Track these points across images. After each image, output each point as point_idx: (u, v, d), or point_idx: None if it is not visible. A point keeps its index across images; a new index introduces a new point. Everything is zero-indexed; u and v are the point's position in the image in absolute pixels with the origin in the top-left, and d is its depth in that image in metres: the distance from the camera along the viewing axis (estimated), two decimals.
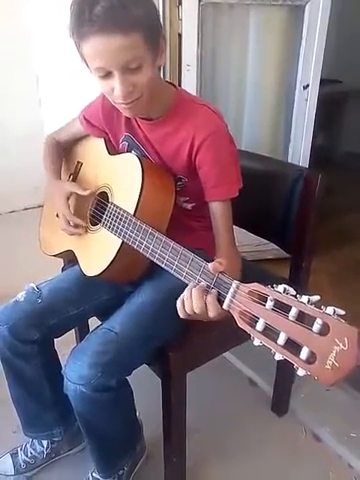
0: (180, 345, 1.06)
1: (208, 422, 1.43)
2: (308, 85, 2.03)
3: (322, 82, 2.07)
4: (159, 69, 0.97)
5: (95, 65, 0.85)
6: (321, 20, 1.91)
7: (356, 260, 2.30)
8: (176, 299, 0.79)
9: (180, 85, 1.82)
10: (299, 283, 1.24)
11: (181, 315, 0.80)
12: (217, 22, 1.90)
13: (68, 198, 1.09)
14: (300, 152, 2.15)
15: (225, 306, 0.70)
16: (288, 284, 0.62)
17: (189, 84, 1.82)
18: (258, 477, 1.29)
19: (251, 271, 1.28)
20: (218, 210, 0.99)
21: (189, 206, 1.10)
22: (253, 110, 2.12)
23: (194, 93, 1.83)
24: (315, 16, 1.91)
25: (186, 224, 1.11)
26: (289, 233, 1.22)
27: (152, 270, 0.86)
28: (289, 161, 2.12)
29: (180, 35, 1.76)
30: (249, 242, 2.04)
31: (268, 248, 2.10)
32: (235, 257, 0.99)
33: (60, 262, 1.36)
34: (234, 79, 2.06)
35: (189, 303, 0.76)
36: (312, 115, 2.09)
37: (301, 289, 1.22)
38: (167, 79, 1.77)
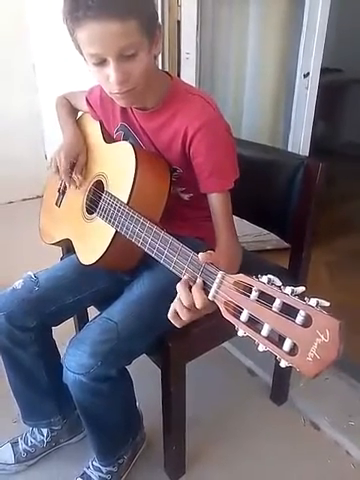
0: (180, 335, 1.05)
1: (207, 411, 1.44)
2: (308, 73, 2.00)
3: (323, 71, 2.05)
4: (155, 58, 0.95)
5: (90, 51, 0.83)
6: (322, 8, 1.89)
7: (356, 250, 2.29)
8: (175, 289, 0.78)
9: (179, 73, 1.80)
10: (298, 273, 1.24)
11: (176, 323, 0.77)
12: (217, 8, 1.87)
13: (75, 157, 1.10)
14: (300, 141, 2.13)
15: (210, 296, 0.70)
16: (274, 274, 0.61)
17: (188, 72, 1.80)
18: (257, 466, 1.30)
19: (251, 261, 1.28)
20: (215, 202, 0.98)
21: (186, 197, 1.09)
22: (253, 99, 2.10)
23: (193, 81, 1.81)
24: (316, 4, 1.89)
25: (184, 214, 1.10)
26: (289, 223, 1.20)
27: (150, 259, 0.85)
28: (289, 150, 2.11)
29: (179, 22, 1.73)
30: (249, 232, 2.04)
31: (268, 238, 2.11)
32: (235, 248, 0.98)
33: (58, 252, 1.35)
34: (234, 67, 2.04)
35: (178, 302, 0.75)
36: (312, 104, 2.07)
37: (300, 279, 1.24)
38: (166, 67, 1.75)
